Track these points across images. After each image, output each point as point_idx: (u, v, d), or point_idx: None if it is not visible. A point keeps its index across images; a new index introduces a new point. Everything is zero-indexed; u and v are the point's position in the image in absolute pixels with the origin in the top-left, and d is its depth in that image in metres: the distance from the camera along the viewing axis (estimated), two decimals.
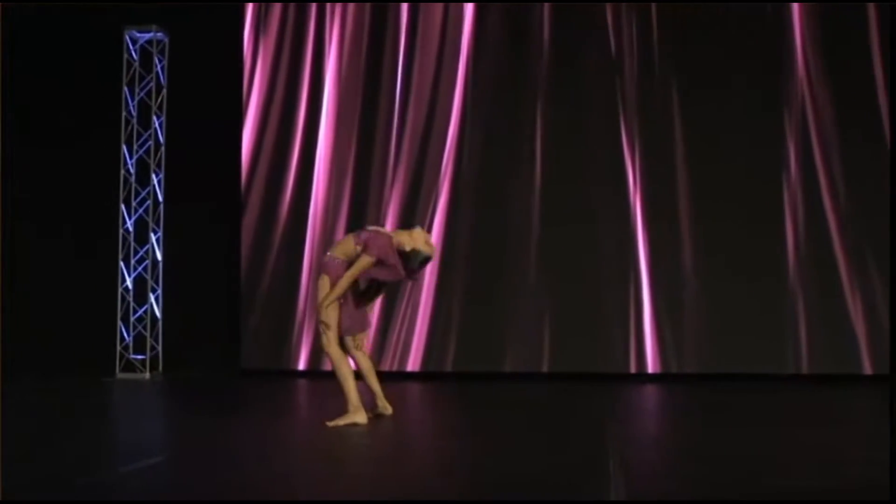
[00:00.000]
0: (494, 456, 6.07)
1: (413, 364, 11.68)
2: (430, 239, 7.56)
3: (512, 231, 11.66)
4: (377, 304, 11.63)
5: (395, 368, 11.67)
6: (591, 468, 5.50)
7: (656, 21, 11.65)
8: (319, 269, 7.70)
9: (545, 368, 11.52)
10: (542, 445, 6.58)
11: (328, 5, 12.10)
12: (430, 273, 11.64)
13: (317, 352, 11.75)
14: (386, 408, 7.78)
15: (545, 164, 11.67)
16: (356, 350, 7.59)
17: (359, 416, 7.38)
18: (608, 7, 11.70)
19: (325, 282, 7.46)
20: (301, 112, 12.07)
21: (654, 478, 5.31)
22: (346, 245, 7.52)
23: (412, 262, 7.48)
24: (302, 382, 11.28)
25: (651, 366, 11.35)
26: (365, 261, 7.34)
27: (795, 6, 11.45)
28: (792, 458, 5.94)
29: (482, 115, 11.81)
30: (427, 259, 7.53)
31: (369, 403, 7.70)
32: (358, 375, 7.56)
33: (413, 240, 7.47)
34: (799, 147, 11.33)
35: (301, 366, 11.85)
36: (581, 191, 11.60)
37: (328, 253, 7.59)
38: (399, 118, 11.91)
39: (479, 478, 5.32)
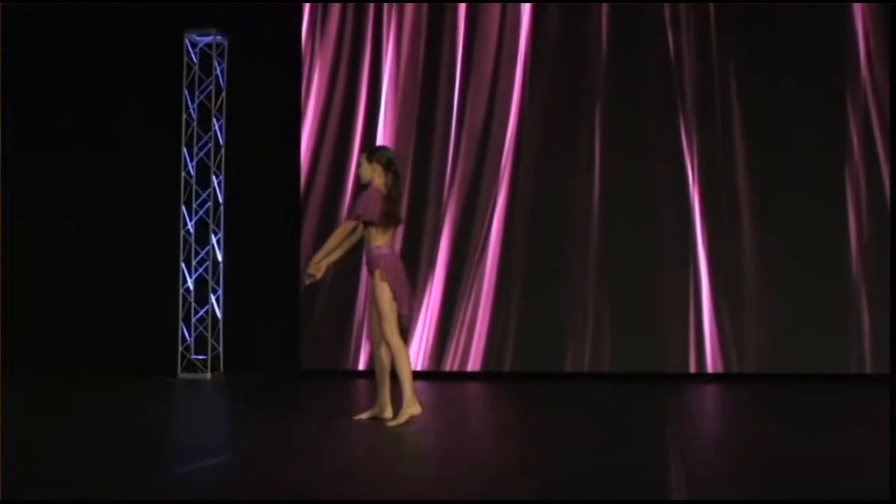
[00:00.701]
0: (554, 456, 6.05)
1: (473, 364, 11.67)
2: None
3: (571, 231, 11.62)
4: (436, 303, 11.66)
5: (455, 368, 11.68)
6: (653, 468, 5.47)
7: (714, 17, 11.55)
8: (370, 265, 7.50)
9: (604, 368, 11.48)
10: (603, 446, 6.55)
11: (385, 6, 12.13)
12: (489, 273, 11.65)
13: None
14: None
15: (604, 164, 11.62)
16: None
17: (415, 408, 7.36)
18: (666, 5, 11.62)
19: (378, 276, 7.40)
20: (360, 113, 12.10)
21: (716, 478, 5.28)
22: (369, 231, 7.41)
23: (395, 192, 7.41)
24: (362, 383, 11.30)
25: (711, 365, 11.27)
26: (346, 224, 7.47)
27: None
28: (852, 459, 5.87)
29: (540, 115, 11.78)
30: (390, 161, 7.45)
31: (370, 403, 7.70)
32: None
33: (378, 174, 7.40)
34: (862, 142, 11.19)
35: (361, 366, 11.89)
36: (640, 189, 11.54)
37: (368, 249, 7.43)
38: (457, 119, 11.91)
39: (538, 478, 5.31)
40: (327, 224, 12.03)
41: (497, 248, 11.73)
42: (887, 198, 11.03)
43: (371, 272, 7.46)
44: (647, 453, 6.05)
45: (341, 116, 12.13)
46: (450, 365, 11.66)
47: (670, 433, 6.97)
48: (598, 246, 11.56)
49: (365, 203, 7.37)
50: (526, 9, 11.88)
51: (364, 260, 7.61)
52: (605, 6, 11.74)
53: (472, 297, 11.70)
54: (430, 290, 11.80)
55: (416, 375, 11.51)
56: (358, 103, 12.12)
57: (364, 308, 11.83)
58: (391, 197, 7.40)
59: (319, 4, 12.26)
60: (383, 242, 7.39)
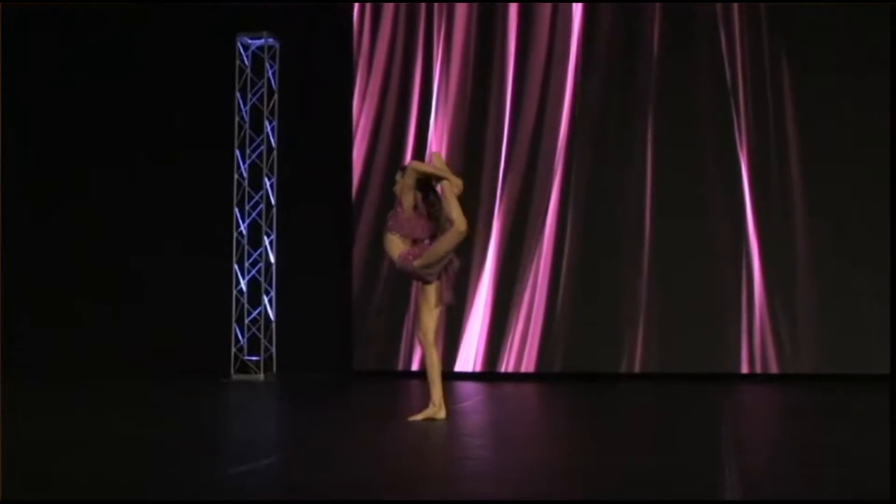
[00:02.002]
0: (606, 457, 6.02)
1: (527, 366, 11.66)
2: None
3: (624, 231, 11.58)
4: (489, 305, 11.66)
5: (510, 369, 11.67)
6: (706, 469, 5.43)
7: (765, 15, 11.45)
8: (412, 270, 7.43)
9: (657, 368, 11.42)
10: (656, 446, 6.51)
11: (436, 6, 12.14)
12: (544, 274, 11.63)
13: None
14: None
15: (656, 162, 11.57)
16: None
17: (441, 412, 7.39)
18: (718, 5, 11.54)
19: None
20: (412, 114, 12.12)
21: (769, 479, 5.23)
22: (391, 243, 7.39)
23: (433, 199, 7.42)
24: (415, 384, 11.31)
25: (764, 365, 11.18)
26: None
27: None
28: None
29: (592, 114, 11.74)
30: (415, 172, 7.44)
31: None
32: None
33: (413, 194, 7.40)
34: None
35: (414, 366, 11.90)
36: (692, 188, 11.48)
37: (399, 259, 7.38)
38: (510, 120, 11.89)
39: (590, 479, 5.29)
40: (379, 224, 12.04)
41: (550, 249, 11.70)
42: None
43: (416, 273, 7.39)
44: (701, 454, 6.00)
45: (394, 117, 12.16)
46: (505, 366, 11.66)
47: (724, 434, 6.91)
48: (650, 245, 11.50)
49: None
50: (578, 7, 11.84)
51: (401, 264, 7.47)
52: (657, 6, 11.67)
53: (526, 299, 11.67)
54: (484, 291, 11.78)
55: (471, 377, 11.55)
56: (410, 103, 12.13)
57: (417, 309, 11.83)
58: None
59: (370, 6, 12.29)
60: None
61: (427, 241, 7.39)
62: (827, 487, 4.90)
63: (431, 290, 7.42)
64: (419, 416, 7.47)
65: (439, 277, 7.39)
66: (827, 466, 5.53)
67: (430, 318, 7.46)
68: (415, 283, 7.77)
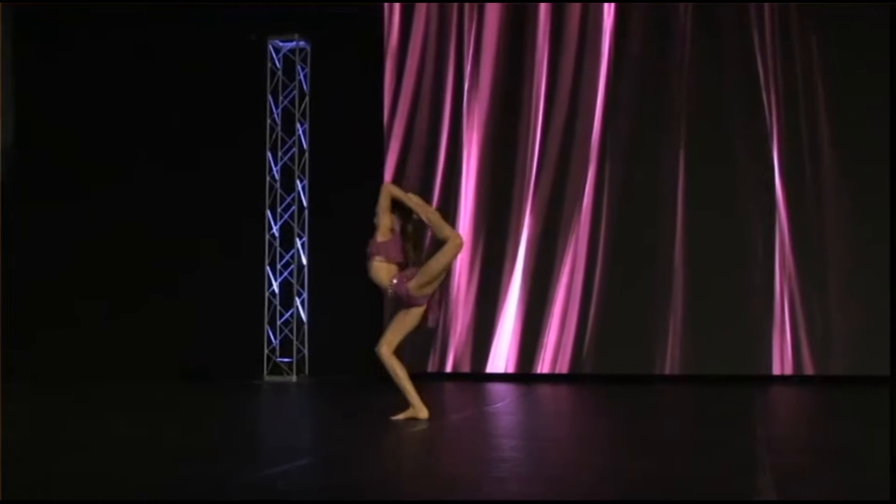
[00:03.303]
0: (640, 458, 6.00)
1: (559, 367, 11.63)
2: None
3: (657, 230, 11.54)
4: (521, 307, 11.65)
5: (544, 371, 11.65)
6: (741, 471, 5.40)
7: (797, 14, 11.38)
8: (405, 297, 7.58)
9: (690, 370, 11.37)
10: (690, 448, 6.48)
11: (467, 6, 12.13)
12: (578, 275, 11.61)
13: (464, 355, 11.82)
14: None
15: (688, 161, 11.51)
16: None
17: (423, 411, 7.58)
18: (751, 6, 11.48)
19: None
20: (445, 114, 12.11)
21: (804, 481, 5.19)
22: (381, 270, 7.54)
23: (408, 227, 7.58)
24: (448, 385, 11.31)
25: (798, 367, 11.11)
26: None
27: None
28: None
29: (625, 112, 11.70)
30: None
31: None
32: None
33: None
34: None
35: (449, 368, 11.90)
36: (725, 187, 11.43)
37: (390, 287, 7.53)
38: (542, 120, 11.86)
39: (624, 480, 5.27)
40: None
41: (584, 249, 11.68)
42: None
43: (408, 299, 7.51)
44: (735, 456, 5.97)
45: (425, 117, 12.15)
46: (538, 368, 11.64)
47: (758, 436, 6.87)
48: (682, 244, 11.46)
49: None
50: (608, 7, 11.80)
51: (394, 292, 7.59)
52: (689, 5, 11.63)
53: (559, 300, 11.65)
54: (515, 292, 11.77)
55: (503, 378, 11.55)
56: (442, 104, 12.13)
57: (450, 311, 11.84)
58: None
59: (401, 7, 12.29)
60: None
61: (411, 269, 7.41)
62: (862, 491, 4.86)
63: (417, 314, 7.52)
64: (401, 416, 7.62)
65: (429, 299, 7.47)
66: (862, 468, 5.49)
67: (401, 337, 7.65)
68: (394, 304, 7.75)
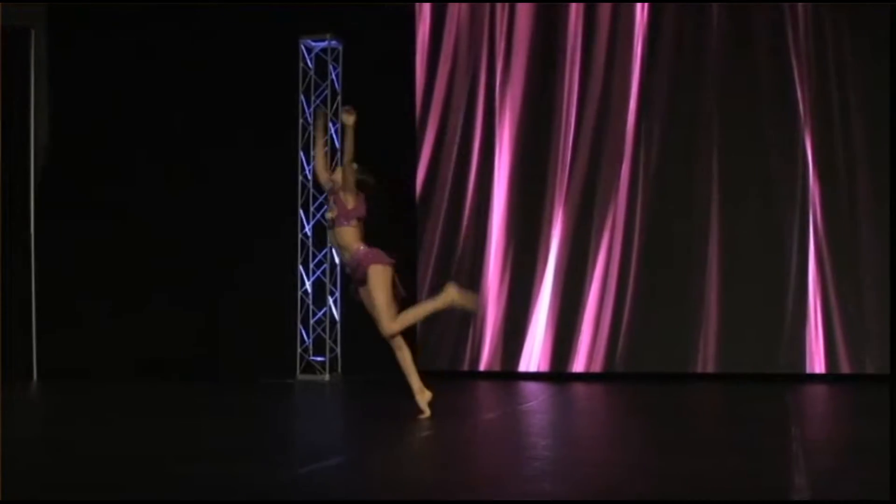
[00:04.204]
0: (673, 457, 5.98)
1: (593, 365, 11.61)
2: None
3: (691, 227, 11.49)
4: (554, 305, 11.64)
5: (578, 369, 11.63)
6: (775, 470, 5.37)
7: (829, 11, 11.31)
8: (360, 265, 7.85)
9: (725, 368, 11.32)
10: (723, 447, 6.46)
11: (499, 6, 12.11)
12: (614, 273, 11.57)
13: (497, 354, 11.82)
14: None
15: (722, 158, 11.45)
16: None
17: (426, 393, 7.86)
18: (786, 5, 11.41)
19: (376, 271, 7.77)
20: (478, 113, 12.10)
21: (839, 480, 5.16)
22: (356, 232, 7.89)
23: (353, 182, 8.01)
24: (482, 385, 11.31)
25: (833, 365, 11.03)
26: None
27: None
28: None
29: (658, 109, 11.65)
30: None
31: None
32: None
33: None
34: None
35: (482, 366, 11.89)
36: (759, 183, 11.36)
37: (350, 255, 7.83)
38: (575, 118, 11.83)
39: (657, 479, 5.25)
40: (444, 225, 12.09)
41: (618, 247, 11.63)
42: None
43: (362, 276, 7.83)
44: (770, 455, 5.94)
45: (458, 116, 12.15)
46: (571, 366, 11.61)
47: (793, 435, 6.83)
48: (717, 242, 11.40)
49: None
50: (640, 6, 11.76)
51: (353, 259, 7.90)
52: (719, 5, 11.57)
53: (592, 298, 11.62)
54: (547, 290, 11.75)
55: (536, 377, 11.54)
56: (475, 102, 12.12)
57: (483, 310, 11.85)
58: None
59: (433, 6, 12.30)
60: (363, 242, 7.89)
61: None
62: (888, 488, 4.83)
63: (379, 284, 7.90)
64: (424, 410, 7.82)
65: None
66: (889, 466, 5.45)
67: (393, 310, 7.94)
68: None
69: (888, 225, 11.02)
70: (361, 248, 7.86)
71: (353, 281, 8.01)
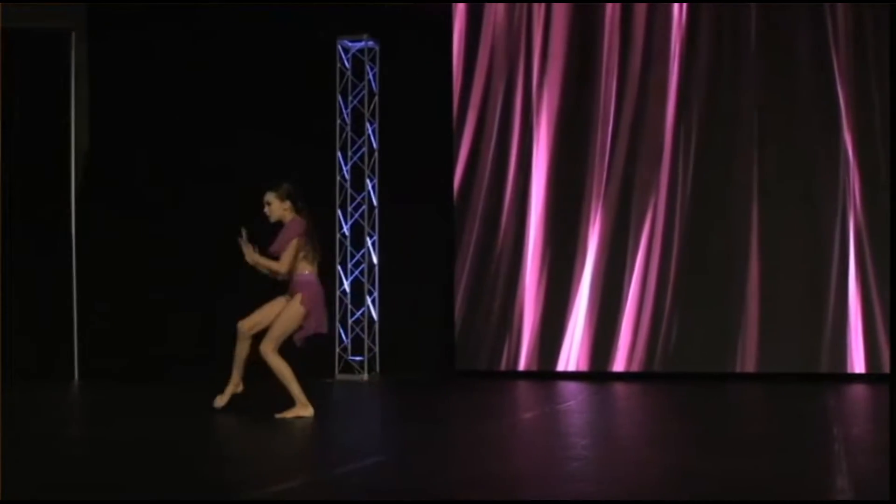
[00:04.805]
0: (716, 458, 5.95)
1: (632, 365, 11.56)
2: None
3: (731, 227, 11.41)
4: (594, 305, 11.61)
5: (618, 369, 11.58)
6: (815, 470, 5.33)
7: (870, 9, 11.20)
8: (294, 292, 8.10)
9: (766, 368, 11.24)
10: (767, 448, 6.42)
11: (535, 6, 12.08)
12: (654, 272, 11.52)
13: (535, 353, 11.80)
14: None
15: (762, 158, 11.37)
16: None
17: (306, 410, 7.99)
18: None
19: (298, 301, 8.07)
20: (516, 113, 12.06)
21: (879, 480, 5.11)
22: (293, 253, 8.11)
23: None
24: (521, 384, 11.29)
25: (875, 365, 10.93)
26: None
27: None
28: None
29: (696, 112, 11.58)
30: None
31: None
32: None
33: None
34: None
35: (521, 366, 11.87)
36: (799, 183, 11.27)
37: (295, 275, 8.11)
38: (614, 118, 11.77)
39: (699, 480, 5.22)
40: (482, 224, 12.07)
41: (658, 246, 11.56)
42: None
43: (292, 295, 8.05)
44: (811, 456, 5.90)
45: (496, 116, 12.12)
46: (611, 366, 11.57)
47: (835, 435, 6.78)
48: (757, 241, 11.32)
49: (283, 237, 8.17)
50: (676, 8, 11.69)
51: (294, 282, 8.13)
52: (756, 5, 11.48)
53: (632, 297, 11.56)
54: (585, 290, 11.71)
55: (574, 376, 11.50)
56: (513, 102, 12.08)
57: (522, 310, 11.83)
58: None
59: (470, 6, 12.28)
60: (308, 271, 8.12)
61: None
62: None
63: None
64: (289, 414, 7.92)
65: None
66: None
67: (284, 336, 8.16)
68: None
69: None
70: (309, 275, 8.15)
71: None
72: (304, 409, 7.96)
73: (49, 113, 12.58)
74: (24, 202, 12.37)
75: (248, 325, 8.19)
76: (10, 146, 12.04)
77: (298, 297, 7.98)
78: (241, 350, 8.25)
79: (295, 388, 8.03)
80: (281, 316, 7.99)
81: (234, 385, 8.31)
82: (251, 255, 8.18)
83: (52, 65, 12.63)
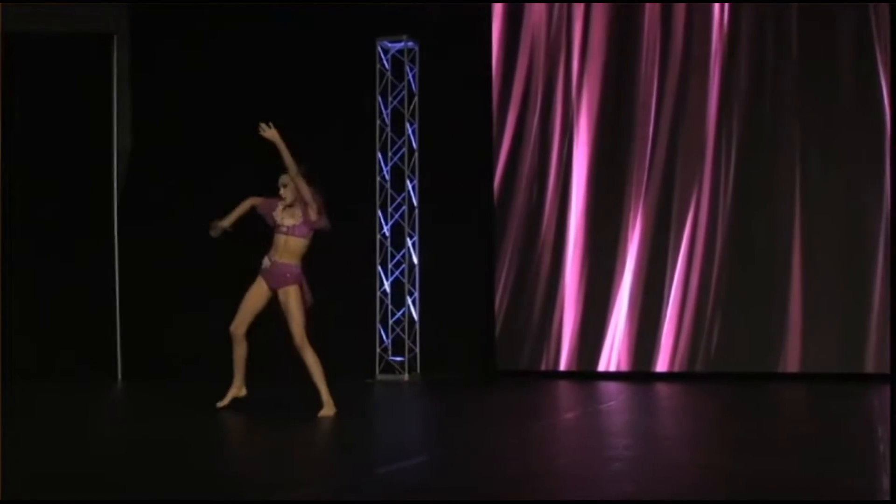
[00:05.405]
0: (757, 458, 5.91)
1: (668, 365, 11.51)
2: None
3: (773, 226, 11.33)
4: (636, 305, 11.58)
5: (660, 369, 11.53)
6: (858, 472, 5.29)
7: None
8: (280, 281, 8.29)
9: (807, 368, 11.15)
10: (809, 448, 6.37)
11: (575, 6, 12.05)
12: (696, 272, 11.45)
13: (577, 353, 11.77)
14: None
15: (804, 157, 11.28)
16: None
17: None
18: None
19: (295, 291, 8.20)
20: (556, 112, 12.04)
21: None
22: (301, 247, 8.19)
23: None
24: (561, 384, 11.27)
25: None
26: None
27: None
28: None
29: (738, 111, 11.49)
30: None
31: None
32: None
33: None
34: None
35: (562, 366, 11.84)
36: (843, 185, 11.18)
37: (283, 262, 8.24)
38: (654, 119, 11.72)
39: (741, 481, 5.20)
40: (522, 223, 12.05)
41: (701, 244, 11.50)
42: None
43: (279, 286, 8.28)
44: (854, 456, 5.85)
45: (536, 116, 12.10)
46: (654, 366, 11.51)
47: (880, 436, 6.72)
48: (800, 241, 11.23)
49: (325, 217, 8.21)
50: (716, 8, 11.61)
51: (280, 269, 8.32)
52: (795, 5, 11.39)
53: (674, 297, 11.51)
54: (626, 289, 11.67)
55: (618, 376, 11.46)
56: (553, 102, 12.06)
57: (563, 310, 11.81)
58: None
59: (509, 7, 12.27)
60: (296, 263, 8.35)
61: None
62: None
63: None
64: (329, 413, 8.06)
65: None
66: None
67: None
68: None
69: None
70: (296, 267, 8.32)
71: (265, 280, 8.33)
72: (328, 409, 8.02)
73: (92, 115, 12.70)
74: (67, 203, 12.50)
75: (239, 328, 8.38)
76: (39, 147, 12.17)
77: (294, 294, 8.20)
78: (240, 352, 8.44)
79: (322, 384, 8.12)
80: (291, 310, 8.16)
81: (237, 388, 8.48)
82: (270, 133, 8.38)
83: (95, 68, 12.74)
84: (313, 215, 8.07)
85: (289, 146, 12.17)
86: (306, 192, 8.01)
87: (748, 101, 11.50)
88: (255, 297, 8.29)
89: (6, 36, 12.02)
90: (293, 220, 8.11)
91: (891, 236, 10.33)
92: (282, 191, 8.24)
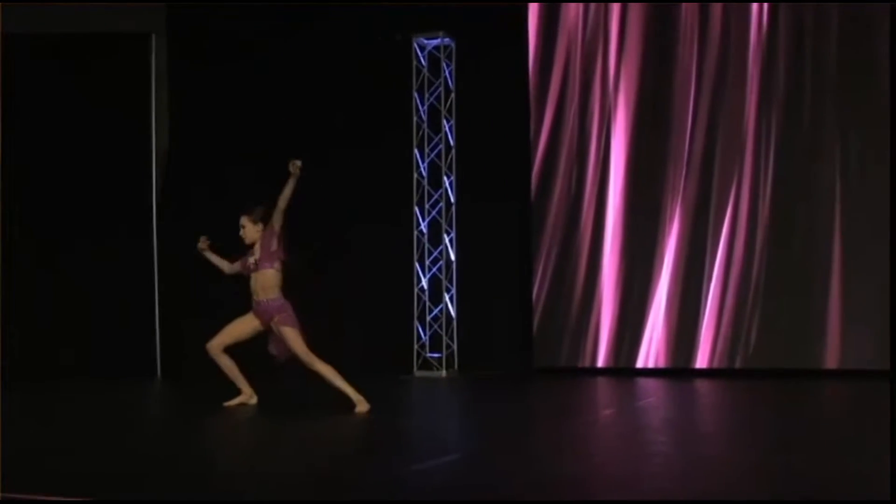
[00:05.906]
0: (794, 456, 5.88)
1: (707, 361, 11.46)
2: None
3: (813, 223, 11.25)
4: (674, 303, 11.54)
5: (700, 365, 11.48)
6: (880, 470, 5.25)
7: None
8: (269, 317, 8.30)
9: (848, 365, 11.06)
10: (844, 446, 6.33)
11: (613, 5, 11.99)
12: (737, 270, 11.39)
13: (615, 350, 11.75)
14: None
15: (843, 158, 11.17)
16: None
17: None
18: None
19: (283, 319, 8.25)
20: (594, 110, 12.01)
21: None
22: (277, 276, 8.26)
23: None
24: (600, 381, 11.24)
25: None
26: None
27: None
28: None
29: (777, 109, 11.41)
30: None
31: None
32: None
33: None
34: None
35: (600, 363, 11.82)
36: (884, 181, 11.05)
37: (266, 300, 8.28)
38: (692, 117, 11.66)
39: (778, 479, 5.17)
40: (560, 220, 12.03)
41: (741, 243, 11.44)
42: None
43: (271, 320, 8.27)
44: (877, 455, 5.80)
45: (573, 114, 12.07)
46: (694, 362, 11.46)
47: None
48: (840, 237, 11.14)
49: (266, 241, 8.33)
50: (754, 8, 11.53)
51: (265, 307, 8.32)
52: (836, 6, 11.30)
53: (713, 293, 11.45)
54: (664, 286, 11.63)
55: (657, 373, 11.42)
56: (590, 100, 12.03)
57: (601, 307, 11.79)
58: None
59: (545, 5, 12.24)
60: (278, 295, 8.32)
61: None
62: None
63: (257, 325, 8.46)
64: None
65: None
66: None
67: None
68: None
69: None
70: (279, 299, 8.26)
71: (258, 319, 8.39)
72: (361, 406, 8.08)
73: (130, 114, 12.80)
74: (106, 203, 12.60)
75: (214, 348, 8.51)
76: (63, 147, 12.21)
77: (287, 324, 8.24)
78: (225, 363, 8.57)
79: (343, 385, 8.18)
80: (289, 338, 8.19)
81: (248, 397, 8.67)
82: (296, 170, 8.35)
83: (133, 67, 12.83)
84: (274, 245, 8.24)
85: (328, 144, 12.28)
86: (279, 223, 8.26)
87: (787, 96, 11.42)
88: (244, 325, 8.48)
89: (47, 36, 12.16)
90: (254, 256, 8.30)
91: (891, 236, 10.22)
92: (241, 231, 8.47)
